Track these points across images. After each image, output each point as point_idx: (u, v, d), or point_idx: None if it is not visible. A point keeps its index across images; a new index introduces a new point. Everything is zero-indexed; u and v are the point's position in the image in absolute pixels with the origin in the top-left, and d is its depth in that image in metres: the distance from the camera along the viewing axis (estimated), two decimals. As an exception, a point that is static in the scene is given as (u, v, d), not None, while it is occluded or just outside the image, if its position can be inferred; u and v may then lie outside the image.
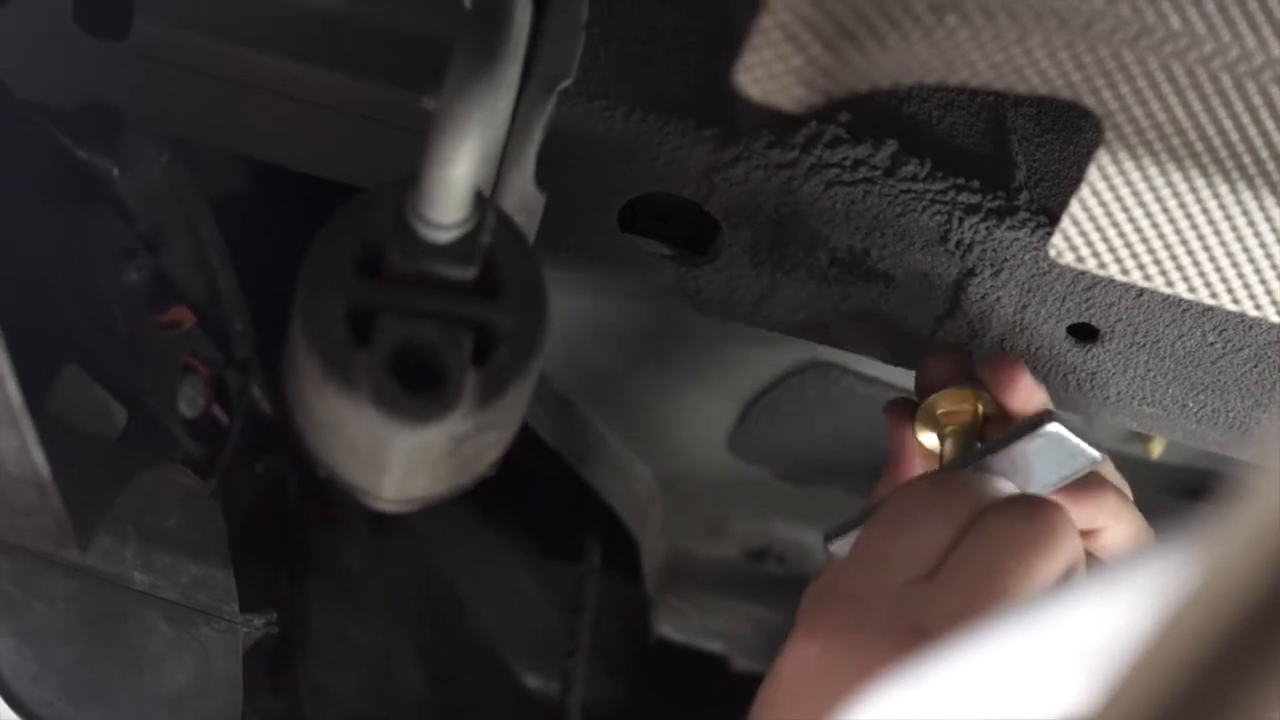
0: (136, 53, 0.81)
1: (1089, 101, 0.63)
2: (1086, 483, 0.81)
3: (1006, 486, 0.79)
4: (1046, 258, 0.83)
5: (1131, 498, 0.84)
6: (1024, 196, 0.83)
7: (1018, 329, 0.87)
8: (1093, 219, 0.69)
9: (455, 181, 0.62)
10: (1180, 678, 0.34)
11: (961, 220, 0.83)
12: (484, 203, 0.64)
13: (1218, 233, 0.69)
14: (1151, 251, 0.70)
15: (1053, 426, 0.80)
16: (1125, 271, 0.71)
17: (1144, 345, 0.87)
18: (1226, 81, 0.62)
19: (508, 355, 0.64)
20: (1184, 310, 0.85)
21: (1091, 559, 0.82)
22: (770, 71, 0.60)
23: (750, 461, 1.34)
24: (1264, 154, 0.64)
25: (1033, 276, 0.84)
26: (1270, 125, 0.63)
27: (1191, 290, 0.71)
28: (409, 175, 0.63)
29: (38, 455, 0.69)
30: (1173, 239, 0.69)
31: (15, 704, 0.91)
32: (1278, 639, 0.33)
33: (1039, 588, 0.73)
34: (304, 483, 1.22)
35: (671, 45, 0.82)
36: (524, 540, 1.53)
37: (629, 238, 0.86)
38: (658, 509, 1.41)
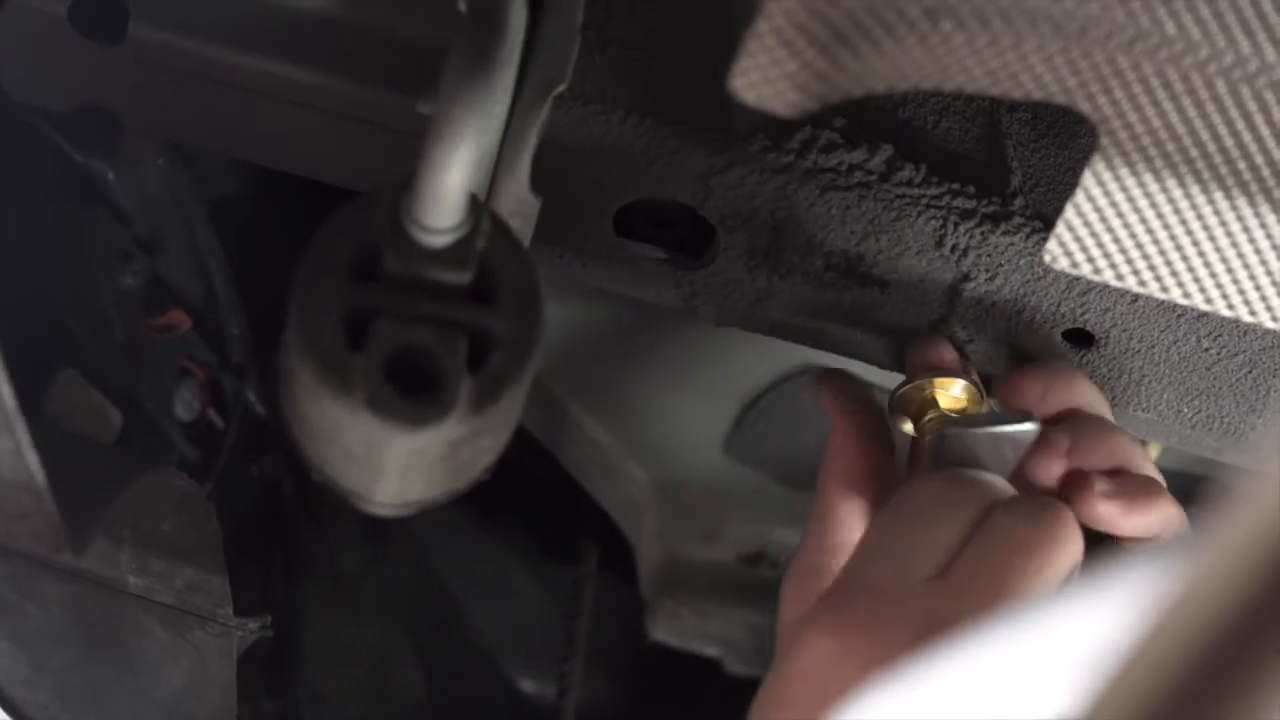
0: (133, 56, 0.81)
1: (1084, 107, 0.63)
2: (1138, 494, 0.81)
3: (1001, 484, 0.79)
4: (1041, 263, 0.83)
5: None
6: (1019, 202, 0.83)
7: (1012, 334, 0.87)
8: (1087, 224, 0.69)
9: (450, 186, 0.62)
10: (1171, 682, 0.34)
11: (957, 225, 0.83)
12: (479, 207, 0.64)
13: (1212, 238, 0.69)
14: (1146, 257, 0.70)
15: (1031, 426, 0.80)
16: (1120, 277, 0.71)
17: (1139, 351, 0.87)
18: (1221, 87, 0.62)
19: (503, 360, 0.64)
20: (1178, 316, 0.85)
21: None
22: (765, 76, 0.60)
23: (746, 465, 1.34)
24: (1258, 160, 0.64)
25: (1028, 282, 0.84)
26: (1264, 131, 0.63)
27: (1186, 296, 0.71)
28: (404, 179, 0.63)
29: (33, 459, 0.69)
30: (1167, 245, 0.69)
31: (10, 708, 0.91)
32: (1269, 643, 0.33)
33: (1047, 587, 0.73)
34: (299, 486, 1.22)
35: (667, 50, 0.82)
36: (520, 544, 1.54)
37: (624, 242, 0.86)
38: (653, 513, 1.41)
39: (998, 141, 0.84)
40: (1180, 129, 0.63)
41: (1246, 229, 0.68)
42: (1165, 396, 0.89)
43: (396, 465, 0.64)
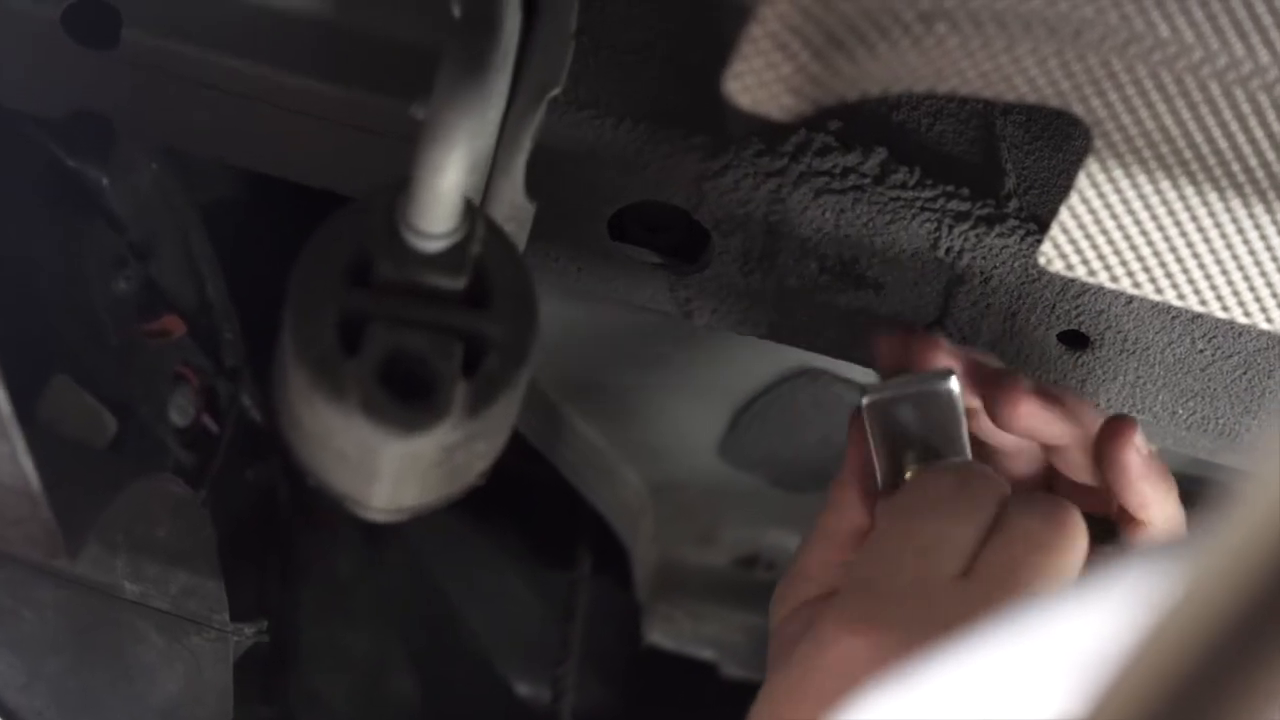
0: (126, 61, 0.81)
1: (1078, 109, 0.63)
2: (1162, 474, 0.81)
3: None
4: (1036, 265, 0.83)
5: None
6: (1013, 204, 0.83)
7: (1007, 336, 0.87)
8: (1082, 226, 0.69)
9: (445, 191, 0.62)
10: (1170, 683, 0.34)
11: (951, 228, 0.83)
12: (474, 212, 0.64)
13: (1206, 240, 0.69)
14: (1141, 259, 0.70)
15: (949, 383, 0.81)
16: (1115, 279, 0.71)
17: (1133, 352, 0.87)
18: (1215, 89, 0.62)
19: (497, 364, 0.64)
20: (1173, 317, 0.85)
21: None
22: (759, 80, 0.60)
23: (741, 468, 1.34)
24: (1252, 162, 0.64)
25: (1022, 284, 0.84)
26: (1258, 133, 0.63)
27: (1180, 297, 0.71)
28: (399, 184, 0.63)
29: (27, 464, 0.69)
30: (1161, 246, 0.69)
31: (5, 713, 0.91)
32: (1269, 644, 0.33)
33: (1063, 586, 0.73)
34: (295, 490, 1.22)
35: (661, 54, 0.82)
36: (515, 547, 1.53)
37: (619, 246, 0.86)
38: (648, 516, 1.41)
39: (992, 144, 0.84)
40: (1174, 131, 0.63)
41: (1241, 231, 0.68)
42: (1160, 398, 0.89)
43: (391, 470, 0.64)
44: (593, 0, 0.80)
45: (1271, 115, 0.62)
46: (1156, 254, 0.70)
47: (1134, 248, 0.69)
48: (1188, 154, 0.64)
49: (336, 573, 1.37)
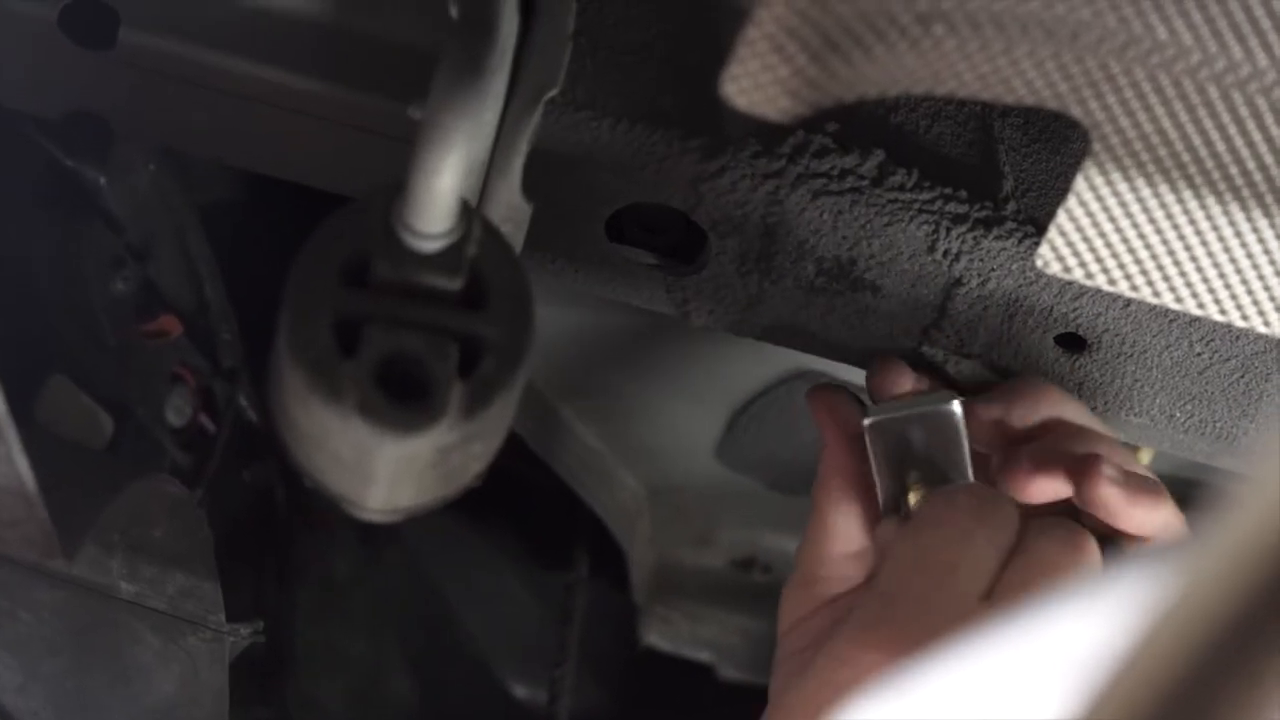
0: (123, 61, 0.81)
1: (1076, 112, 0.63)
2: (1143, 490, 0.81)
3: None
4: (1033, 268, 0.83)
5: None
6: (1011, 206, 0.83)
7: (1005, 339, 0.87)
8: (1080, 229, 0.69)
9: (441, 191, 0.62)
10: (1167, 686, 0.34)
11: (949, 230, 0.83)
12: (470, 213, 0.64)
13: (1204, 243, 0.69)
14: (1138, 262, 0.70)
15: (950, 404, 0.81)
16: (1112, 282, 0.71)
17: (1131, 355, 0.87)
18: (1213, 92, 0.62)
19: (494, 366, 0.63)
20: (1171, 320, 0.85)
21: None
22: (757, 82, 0.60)
23: (738, 470, 1.34)
24: (1250, 165, 0.64)
25: (1020, 286, 0.84)
26: (1257, 136, 0.63)
27: (1178, 300, 0.71)
28: (396, 185, 0.63)
29: (23, 465, 0.69)
30: (1159, 249, 0.69)
31: (2, 715, 0.91)
32: (1266, 646, 0.33)
33: None
34: (292, 491, 1.22)
35: (658, 55, 0.82)
36: (512, 549, 1.53)
37: (616, 247, 0.86)
38: (645, 518, 1.41)
39: (990, 146, 0.84)
40: (1172, 134, 0.63)
41: (1239, 234, 0.68)
42: (1158, 401, 0.89)
43: (387, 471, 0.64)
44: (590, 1, 0.80)
45: (1269, 119, 0.62)
46: (1154, 257, 0.70)
47: (1131, 251, 0.69)
48: (1186, 157, 0.64)
49: (333, 574, 1.37)
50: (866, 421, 0.83)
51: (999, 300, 0.85)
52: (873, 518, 0.85)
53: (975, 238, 0.83)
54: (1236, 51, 0.60)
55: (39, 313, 0.92)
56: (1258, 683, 0.33)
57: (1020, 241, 0.83)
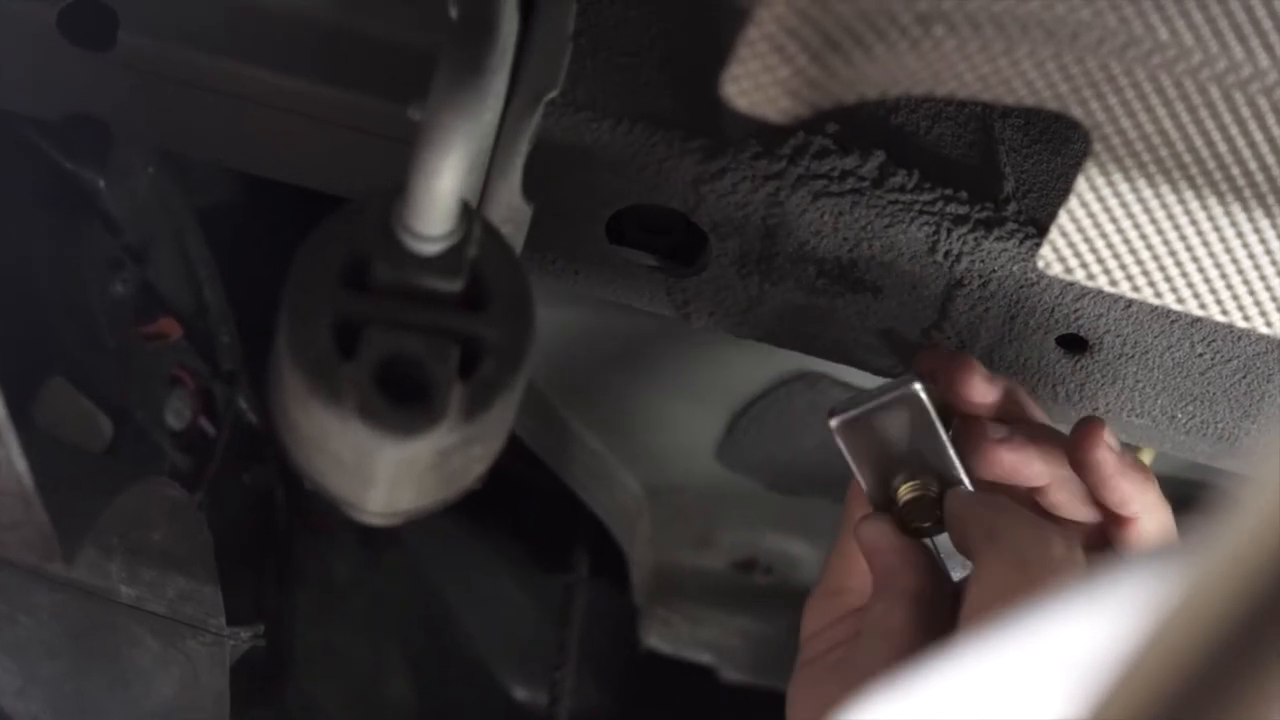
0: (122, 63, 0.81)
1: (1077, 113, 0.63)
2: (1136, 467, 0.81)
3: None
4: (1035, 269, 0.83)
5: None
6: (1012, 207, 0.83)
7: (1006, 340, 0.87)
8: (1081, 230, 0.69)
9: (441, 193, 0.62)
10: (1170, 688, 0.34)
11: (950, 231, 0.83)
12: (471, 214, 0.64)
13: (1205, 244, 0.69)
14: (1140, 263, 0.70)
15: (909, 387, 0.80)
16: (1114, 283, 0.71)
17: (1133, 356, 0.87)
18: (1214, 93, 0.61)
19: (494, 368, 0.63)
20: (1172, 321, 0.85)
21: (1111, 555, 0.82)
22: (757, 83, 0.60)
23: (738, 472, 1.33)
24: (1251, 165, 0.64)
25: (1021, 287, 0.84)
26: (1257, 136, 0.63)
27: (1180, 301, 0.71)
28: (395, 187, 0.63)
29: (22, 467, 0.68)
30: (1161, 250, 0.69)
31: (1, 718, 0.90)
32: (1269, 648, 0.33)
33: None
34: (291, 494, 1.22)
35: (658, 56, 0.82)
36: (512, 551, 1.53)
37: (616, 249, 0.86)
38: (646, 520, 1.41)
39: (990, 147, 0.84)
40: (1173, 134, 0.63)
41: (1240, 234, 0.68)
42: (1159, 402, 0.89)
43: (387, 474, 0.64)
44: (591, 3, 0.80)
45: (1271, 119, 0.62)
46: (1156, 258, 0.69)
47: (1133, 251, 0.69)
48: (1187, 158, 0.64)
49: (333, 576, 1.36)
50: (833, 423, 0.82)
51: (1000, 301, 0.85)
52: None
53: (976, 239, 0.83)
54: (1238, 52, 0.60)
55: (38, 315, 0.92)
56: (1260, 685, 0.33)
57: (1021, 242, 0.83)
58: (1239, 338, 0.86)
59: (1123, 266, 0.70)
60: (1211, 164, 0.64)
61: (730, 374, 1.22)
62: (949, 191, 0.82)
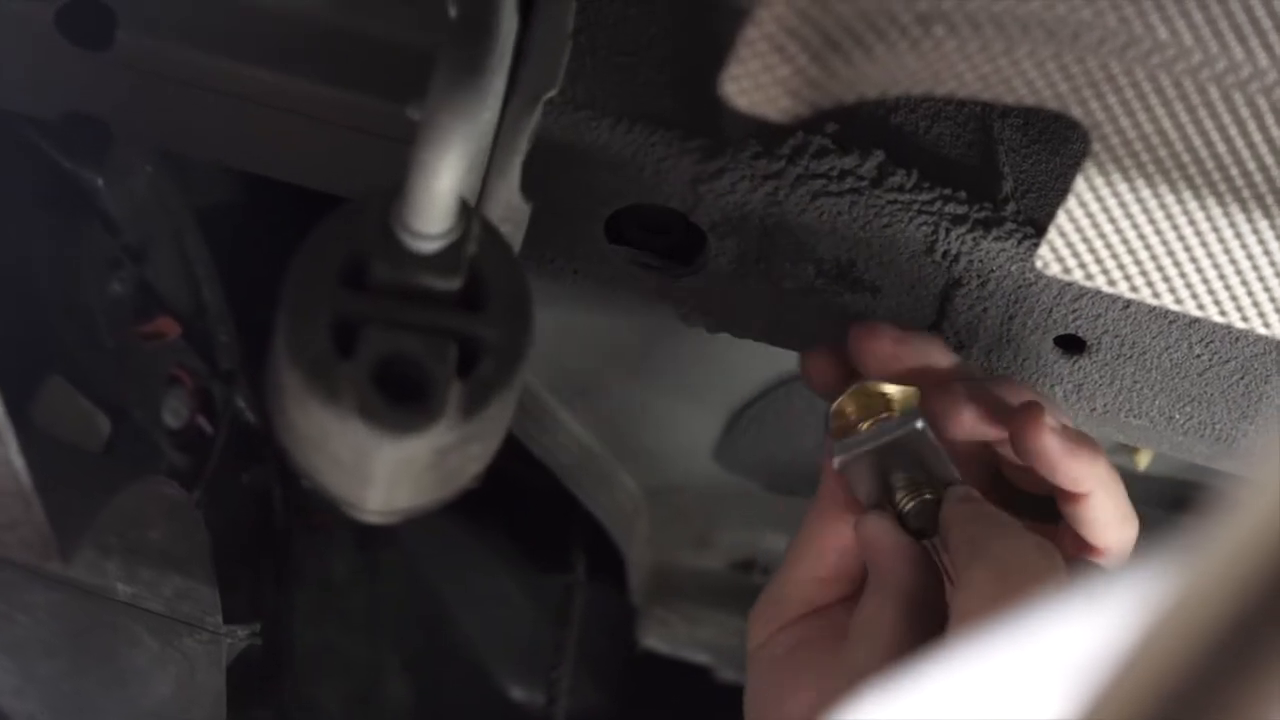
0: (121, 62, 0.81)
1: (1076, 113, 0.63)
2: (1081, 443, 0.80)
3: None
4: (1033, 269, 0.83)
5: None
6: (1011, 207, 0.83)
7: (1004, 340, 0.87)
8: (1079, 230, 0.69)
9: (440, 192, 0.62)
10: (1166, 689, 0.34)
11: (948, 231, 0.83)
12: (469, 213, 0.64)
13: (1204, 245, 0.68)
14: (1138, 263, 0.70)
15: (915, 425, 0.80)
16: (1112, 283, 0.71)
17: (1131, 357, 0.87)
18: (1213, 93, 0.61)
19: (492, 367, 0.63)
20: (1171, 322, 0.85)
21: (1068, 534, 0.81)
22: (757, 82, 0.60)
23: (736, 472, 1.33)
24: (1250, 165, 0.64)
25: (1019, 287, 0.84)
26: (1257, 137, 0.63)
27: (1178, 302, 0.71)
28: (394, 186, 0.63)
29: (20, 466, 0.68)
30: (1159, 251, 0.69)
31: (-2, 717, 0.91)
32: (1266, 649, 0.33)
33: None
34: (289, 493, 1.22)
35: (658, 55, 0.81)
36: (510, 551, 1.53)
37: (615, 248, 0.86)
38: (644, 520, 1.41)
39: (989, 147, 0.84)
40: (1172, 134, 0.63)
41: (1239, 235, 0.68)
42: (1157, 403, 0.89)
43: (385, 473, 0.64)
44: (589, 1, 0.80)
45: (1270, 119, 0.62)
46: (1154, 258, 0.69)
47: (1131, 252, 0.69)
48: (1186, 158, 0.64)
49: (331, 575, 1.36)
50: (835, 463, 0.81)
51: (998, 301, 0.85)
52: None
53: (975, 239, 0.83)
54: (1238, 52, 0.60)
55: (36, 314, 0.92)
56: (1258, 685, 0.33)
57: (1020, 242, 0.83)
58: (1237, 339, 0.86)
59: (1121, 267, 0.70)
60: (1210, 164, 0.64)
61: (728, 374, 1.22)
62: (948, 191, 0.83)
